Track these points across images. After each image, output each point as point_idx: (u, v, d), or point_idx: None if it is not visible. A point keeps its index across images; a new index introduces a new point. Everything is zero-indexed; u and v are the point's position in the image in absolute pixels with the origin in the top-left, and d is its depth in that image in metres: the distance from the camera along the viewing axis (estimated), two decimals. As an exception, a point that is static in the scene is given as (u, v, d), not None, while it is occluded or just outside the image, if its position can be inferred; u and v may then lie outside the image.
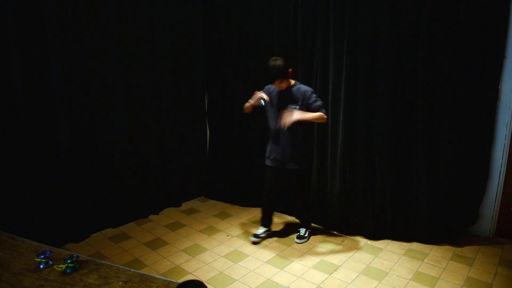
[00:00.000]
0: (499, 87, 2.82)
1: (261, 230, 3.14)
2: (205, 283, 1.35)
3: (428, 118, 2.87)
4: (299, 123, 2.73)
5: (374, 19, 2.90)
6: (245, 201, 3.97)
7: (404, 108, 2.94)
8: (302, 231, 3.14)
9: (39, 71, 2.81)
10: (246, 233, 3.29)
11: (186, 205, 4.04)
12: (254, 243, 3.07)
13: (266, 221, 3.18)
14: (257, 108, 2.98)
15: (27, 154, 2.79)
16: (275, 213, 3.73)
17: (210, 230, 3.35)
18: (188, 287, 1.18)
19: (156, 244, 3.09)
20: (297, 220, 3.56)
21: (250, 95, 3.80)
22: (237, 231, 3.32)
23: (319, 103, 2.77)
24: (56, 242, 2.85)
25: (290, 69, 2.81)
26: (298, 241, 3.08)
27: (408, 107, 2.93)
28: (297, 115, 2.69)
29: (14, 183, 2.74)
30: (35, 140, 2.83)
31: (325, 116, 2.78)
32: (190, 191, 4.17)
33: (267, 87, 3.04)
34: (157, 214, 3.78)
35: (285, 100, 2.86)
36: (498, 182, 2.95)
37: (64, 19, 2.89)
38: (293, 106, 2.81)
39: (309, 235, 3.16)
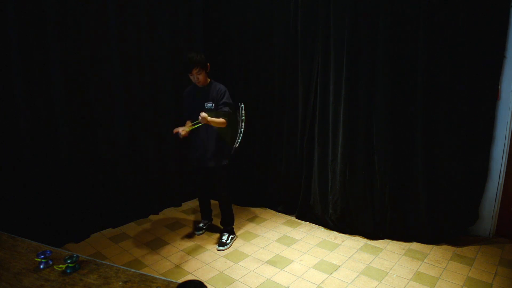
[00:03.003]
0: (499, 87, 2.82)
1: (202, 223, 3.37)
2: (205, 283, 1.35)
3: (428, 118, 2.87)
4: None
5: (374, 19, 2.90)
6: (245, 201, 3.97)
7: (404, 108, 2.94)
8: (225, 237, 3.05)
9: (39, 71, 2.81)
10: (247, 233, 3.29)
11: (186, 205, 4.04)
12: (197, 234, 3.27)
13: (204, 215, 3.39)
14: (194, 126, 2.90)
15: (27, 154, 2.79)
16: (276, 213, 3.77)
17: (210, 230, 3.35)
18: (188, 287, 1.18)
19: (156, 244, 3.10)
20: (297, 220, 3.57)
21: (250, 95, 3.83)
22: (237, 231, 3.32)
23: (226, 108, 2.86)
24: (56, 242, 2.85)
25: (208, 64, 2.86)
26: (219, 248, 2.96)
27: (408, 107, 2.93)
28: (207, 117, 2.69)
29: (14, 183, 2.74)
30: (35, 140, 2.83)
31: (225, 122, 2.83)
32: (190, 191, 4.17)
33: (185, 91, 3.05)
34: (157, 214, 3.78)
35: (203, 98, 2.89)
36: (498, 182, 2.95)
37: (64, 19, 2.89)
38: (210, 104, 2.86)
39: (232, 241, 3.08)
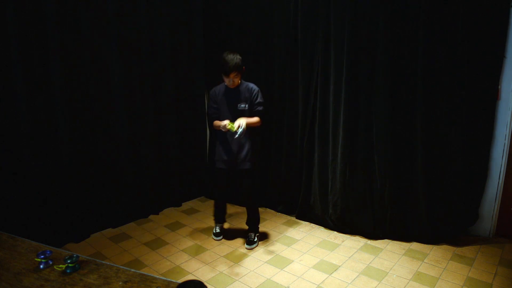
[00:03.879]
0: (499, 87, 2.82)
1: (218, 228, 3.27)
2: (205, 283, 1.35)
3: (428, 118, 2.87)
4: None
5: (374, 19, 2.91)
6: (245, 201, 3.97)
7: (404, 108, 2.94)
8: (252, 235, 3.08)
9: (39, 71, 2.81)
10: (246, 232, 3.29)
11: (186, 205, 4.04)
12: (217, 239, 3.20)
13: (220, 218, 3.31)
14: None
15: (27, 154, 2.79)
16: (276, 213, 3.77)
17: (210, 230, 3.35)
18: (188, 287, 1.18)
19: (156, 244, 3.10)
20: (297, 220, 3.57)
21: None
22: (237, 231, 3.32)
23: (260, 107, 2.86)
24: (56, 242, 2.85)
25: (244, 67, 2.82)
26: (248, 246, 3.00)
27: (408, 107, 2.93)
28: (244, 121, 2.67)
29: (14, 183, 2.74)
30: (35, 140, 2.83)
31: (260, 121, 2.87)
32: (190, 191, 4.17)
33: (213, 90, 2.96)
34: (157, 214, 3.78)
35: (234, 99, 2.86)
36: (498, 182, 2.95)
37: (64, 19, 2.89)
38: (243, 105, 2.83)
39: (258, 239, 3.11)
